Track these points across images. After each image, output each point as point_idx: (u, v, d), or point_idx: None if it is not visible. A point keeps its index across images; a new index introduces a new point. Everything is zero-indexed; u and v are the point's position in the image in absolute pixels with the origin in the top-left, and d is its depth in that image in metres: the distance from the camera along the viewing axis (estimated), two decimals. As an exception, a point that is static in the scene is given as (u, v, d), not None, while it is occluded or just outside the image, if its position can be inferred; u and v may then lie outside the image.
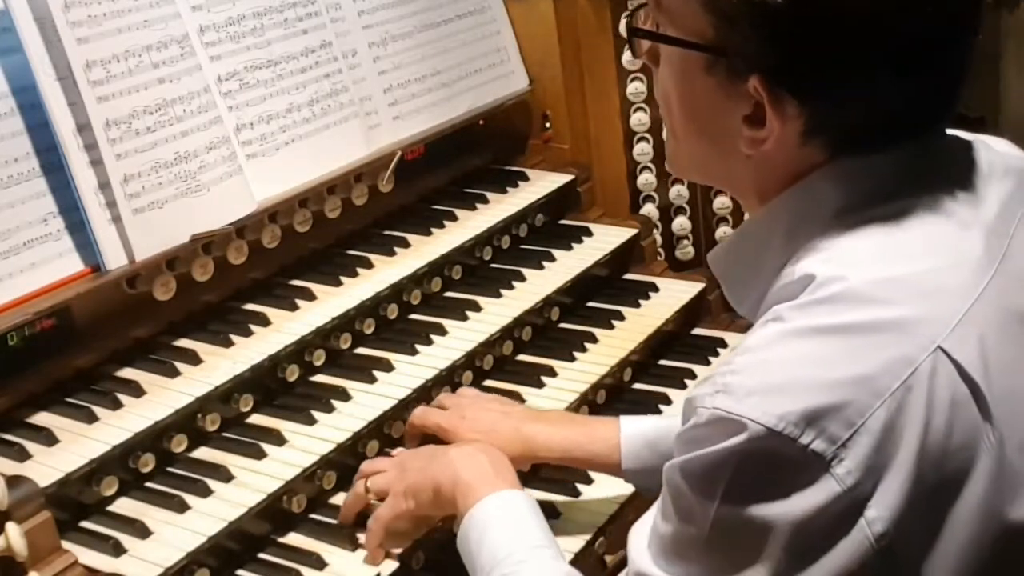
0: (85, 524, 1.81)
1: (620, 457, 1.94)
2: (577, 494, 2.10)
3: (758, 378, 1.23)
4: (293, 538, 1.93)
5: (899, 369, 1.21)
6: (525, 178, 2.84)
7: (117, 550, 1.74)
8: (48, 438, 1.84)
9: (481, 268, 2.59)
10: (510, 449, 1.90)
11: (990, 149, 1.43)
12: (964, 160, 1.39)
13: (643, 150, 2.93)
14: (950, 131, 1.41)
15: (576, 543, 1.98)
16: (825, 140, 1.31)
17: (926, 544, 1.24)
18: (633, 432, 1.95)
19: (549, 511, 2.03)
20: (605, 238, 2.74)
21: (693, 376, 2.48)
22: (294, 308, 2.21)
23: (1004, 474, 1.25)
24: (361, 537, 1.89)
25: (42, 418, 1.90)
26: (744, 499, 1.23)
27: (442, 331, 2.31)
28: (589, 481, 2.13)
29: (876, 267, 1.26)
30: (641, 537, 1.39)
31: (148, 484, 1.89)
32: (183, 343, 2.10)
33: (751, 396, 1.22)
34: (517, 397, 2.24)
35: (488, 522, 1.68)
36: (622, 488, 2.11)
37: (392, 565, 1.85)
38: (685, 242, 3.01)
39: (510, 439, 1.94)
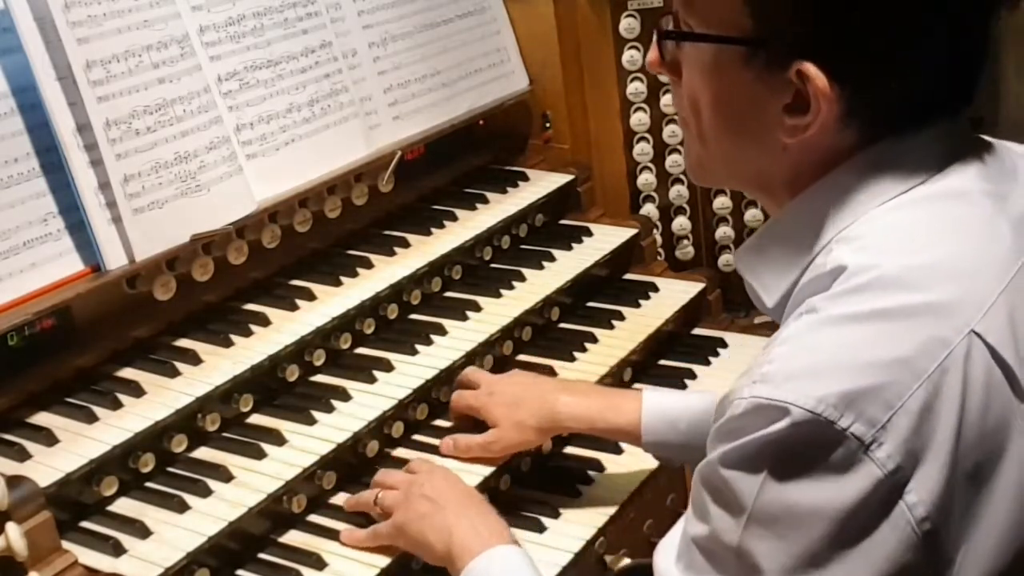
0: (85, 524, 1.81)
1: (640, 431, 1.99)
2: (577, 494, 2.11)
3: (795, 364, 1.23)
4: (293, 538, 1.93)
5: (935, 351, 1.21)
6: (525, 178, 2.83)
7: (117, 550, 1.74)
8: (48, 438, 1.84)
9: (481, 268, 2.59)
10: (536, 419, 2.02)
11: (1012, 152, 1.43)
12: (991, 153, 1.39)
13: (643, 150, 2.93)
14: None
15: (576, 543, 1.98)
16: (863, 121, 1.31)
17: (966, 529, 1.23)
18: (654, 406, 2.00)
19: (549, 511, 2.04)
20: (605, 238, 2.74)
21: (693, 376, 2.48)
22: (294, 308, 2.21)
23: None
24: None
25: (42, 418, 1.90)
26: (786, 487, 1.21)
27: (442, 331, 2.31)
28: (589, 481, 2.14)
29: (907, 253, 1.26)
30: (668, 551, 1.37)
31: (148, 484, 1.89)
32: (183, 343, 2.10)
33: (789, 381, 1.21)
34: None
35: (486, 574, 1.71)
36: (622, 488, 2.12)
37: (388, 560, 1.86)
38: (685, 242, 3.01)
39: (536, 410, 2.04)
